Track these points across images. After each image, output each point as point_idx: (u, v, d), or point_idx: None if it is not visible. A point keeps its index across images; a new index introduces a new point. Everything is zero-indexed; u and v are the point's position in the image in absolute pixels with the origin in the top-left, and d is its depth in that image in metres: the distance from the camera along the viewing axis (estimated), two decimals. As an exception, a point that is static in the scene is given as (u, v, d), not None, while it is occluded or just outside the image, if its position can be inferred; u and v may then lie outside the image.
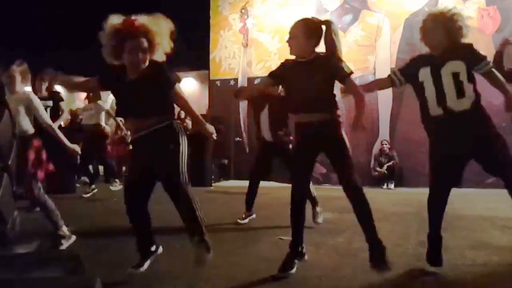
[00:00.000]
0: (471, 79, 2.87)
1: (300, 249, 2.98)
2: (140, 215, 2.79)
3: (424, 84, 2.94)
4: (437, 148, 2.96)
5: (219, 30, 10.57)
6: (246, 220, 4.74)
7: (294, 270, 2.90)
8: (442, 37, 2.90)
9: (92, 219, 5.16)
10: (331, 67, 2.88)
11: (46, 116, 3.71)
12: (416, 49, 8.79)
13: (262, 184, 4.88)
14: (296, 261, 2.94)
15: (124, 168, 10.98)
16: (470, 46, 2.92)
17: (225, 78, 10.48)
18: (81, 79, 3.16)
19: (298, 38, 2.93)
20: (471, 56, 2.88)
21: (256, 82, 10.11)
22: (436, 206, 2.94)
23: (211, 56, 10.65)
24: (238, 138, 10.19)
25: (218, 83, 10.58)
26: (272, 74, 3.09)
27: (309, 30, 2.93)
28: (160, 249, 2.99)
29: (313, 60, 2.92)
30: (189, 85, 14.75)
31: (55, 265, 1.93)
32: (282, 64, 3.06)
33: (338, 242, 3.84)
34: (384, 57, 9.03)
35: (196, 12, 11.48)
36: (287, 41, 3.01)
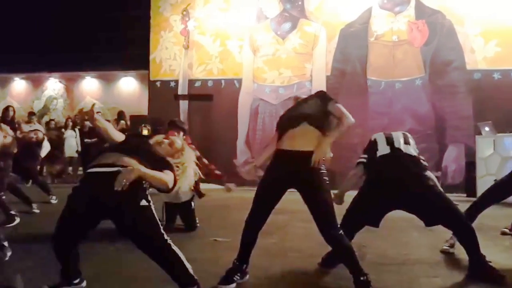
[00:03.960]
0: None
1: (244, 267, 2.97)
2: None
3: None
4: None
5: (160, 30, 10.46)
6: None
7: (233, 286, 2.86)
8: None
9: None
10: None
11: None
12: (350, 59, 9.32)
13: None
14: (237, 277, 2.91)
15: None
16: None
17: (165, 79, 10.37)
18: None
19: None
20: None
21: (196, 84, 10.12)
22: None
23: (151, 57, 10.49)
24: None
25: (158, 84, 10.45)
26: None
27: None
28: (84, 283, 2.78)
29: None
30: (128, 85, 14.42)
31: None
32: None
33: (270, 243, 3.96)
34: (321, 65, 9.38)
35: (138, 10, 11.31)
36: None
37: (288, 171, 2.82)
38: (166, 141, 2.93)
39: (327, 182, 2.86)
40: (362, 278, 2.78)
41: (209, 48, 10.10)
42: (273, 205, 2.94)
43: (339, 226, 2.86)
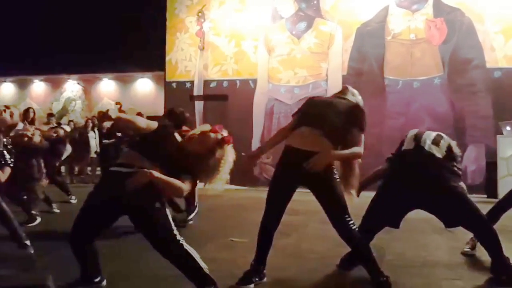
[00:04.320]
0: None
1: (261, 268, 2.97)
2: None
3: None
4: None
5: (176, 32, 10.51)
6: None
7: (252, 286, 2.87)
8: None
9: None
10: None
11: None
12: (366, 58, 9.22)
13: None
14: (255, 278, 2.91)
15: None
16: None
17: (181, 81, 10.42)
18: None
19: None
20: None
21: (211, 85, 10.14)
22: None
23: (167, 58, 10.55)
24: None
25: (174, 85, 10.51)
26: None
27: None
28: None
29: None
30: (145, 86, 14.55)
31: (8, 264, 1.95)
32: None
33: (287, 244, 3.92)
34: (336, 65, 9.30)
35: (154, 12, 11.39)
36: None
37: (297, 170, 2.79)
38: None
39: (338, 180, 2.86)
40: (382, 279, 2.75)
41: (224, 48, 10.11)
42: (285, 204, 2.92)
43: (355, 225, 2.85)
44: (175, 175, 2.52)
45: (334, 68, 9.29)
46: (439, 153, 3.11)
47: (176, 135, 2.71)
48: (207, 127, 2.66)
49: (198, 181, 2.74)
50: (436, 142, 3.16)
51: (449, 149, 3.16)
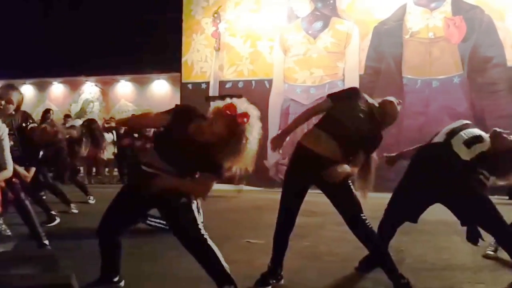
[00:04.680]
0: None
1: (279, 272, 2.94)
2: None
3: None
4: None
5: (192, 33, 10.55)
6: None
7: None
8: None
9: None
10: None
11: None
12: (384, 57, 9.11)
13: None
14: (272, 281, 2.89)
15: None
16: None
17: (197, 82, 10.45)
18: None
19: None
20: None
21: (227, 86, 10.14)
22: None
23: (183, 59, 10.60)
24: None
25: (190, 86, 10.55)
26: None
27: None
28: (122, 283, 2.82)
29: None
30: (160, 88, 14.63)
31: (31, 263, 1.98)
32: None
33: (304, 246, 3.88)
34: (353, 64, 9.20)
35: (170, 14, 11.46)
36: None
37: (309, 170, 2.78)
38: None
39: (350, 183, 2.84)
40: (402, 281, 2.69)
41: (239, 49, 10.10)
42: (299, 204, 2.91)
43: (371, 224, 2.82)
44: (194, 173, 2.53)
45: (351, 68, 9.20)
46: (467, 155, 2.91)
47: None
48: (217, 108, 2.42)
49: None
50: (468, 143, 2.94)
51: (482, 155, 2.93)
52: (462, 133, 3.00)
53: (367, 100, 2.96)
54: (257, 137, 2.42)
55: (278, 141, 2.98)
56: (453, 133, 3.02)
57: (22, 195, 3.66)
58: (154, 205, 2.63)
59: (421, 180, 2.97)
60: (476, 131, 3.04)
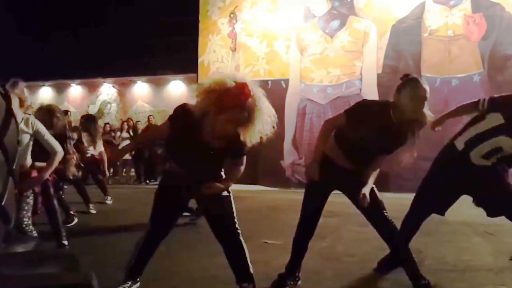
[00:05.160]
0: None
1: (297, 273, 2.94)
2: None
3: None
4: None
5: (208, 34, 10.57)
6: None
7: None
8: None
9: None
10: None
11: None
12: (402, 56, 8.98)
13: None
14: (290, 282, 2.88)
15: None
16: None
17: (213, 82, 10.47)
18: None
19: None
20: None
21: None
22: None
23: (199, 60, 10.63)
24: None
25: (206, 86, 10.57)
26: None
27: None
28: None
29: None
30: (177, 88, 14.71)
31: (52, 263, 1.99)
32: None
33: (321, 247, 3.85)
34: (371, 63, 9.09)
35: (186, 16, 11.53)
36: None
37: (331, 176, 2.78)
38: None
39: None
40: (422, 282, 2.65)
41: (256, 49, 10.08)
42: (321, 209, 2.90)
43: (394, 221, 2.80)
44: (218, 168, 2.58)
45: (369, 67, 9.09)
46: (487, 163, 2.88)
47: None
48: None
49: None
50: (487, 156, 2.86)
51: (503, 158, 2.86)
52: (481, 146, 2.88)
53: (382, 106, 2.91)
54: (267, 114, 2.52)
55: (315, 168, 2.81)
56: (471, 144, 2.92)
57: (52, 191, 3.76)
58: (194, 197, 2.71)
59: (451, 172, 2.94)
60: (498, 141, 2.86)
